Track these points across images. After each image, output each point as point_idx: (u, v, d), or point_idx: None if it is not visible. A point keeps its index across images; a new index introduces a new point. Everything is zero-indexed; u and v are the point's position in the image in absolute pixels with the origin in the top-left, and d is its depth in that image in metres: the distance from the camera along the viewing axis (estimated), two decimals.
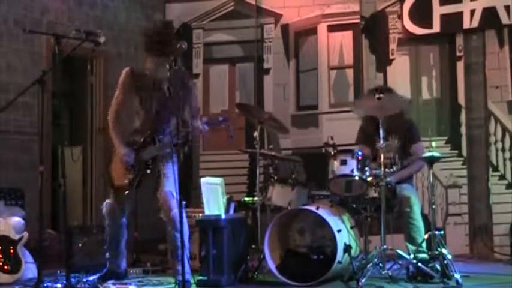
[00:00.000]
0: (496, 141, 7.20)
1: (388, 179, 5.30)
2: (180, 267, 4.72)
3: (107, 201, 5.27)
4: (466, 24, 7.23)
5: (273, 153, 6.01)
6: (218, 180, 5.68)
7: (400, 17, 7.50)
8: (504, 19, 7.09)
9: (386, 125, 5.40)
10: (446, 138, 7.32)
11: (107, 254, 5.36)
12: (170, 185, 5.05)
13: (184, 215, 4.79)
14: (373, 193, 5.33)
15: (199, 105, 8.02)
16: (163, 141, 5.08)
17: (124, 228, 5.32)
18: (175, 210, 4.96)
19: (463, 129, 7.31)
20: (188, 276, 4.95)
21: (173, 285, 4.97)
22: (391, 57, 7.59)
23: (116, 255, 5.35)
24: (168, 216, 5.05)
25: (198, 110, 5.21)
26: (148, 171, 5.11)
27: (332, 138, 5.60)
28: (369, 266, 5.09)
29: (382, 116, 5.29)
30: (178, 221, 4.72)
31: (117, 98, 5.20)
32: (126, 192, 5.15)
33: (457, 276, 4.99)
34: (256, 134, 5.82)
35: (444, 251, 5.12)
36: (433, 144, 5.37)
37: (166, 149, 5.08)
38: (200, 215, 5.64)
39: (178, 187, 4.78)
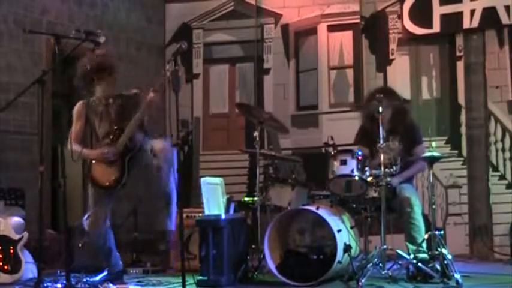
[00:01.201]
0: (496, 141, 7.20)
1: (389, 179, 5.29)
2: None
3: (86, 216, 5.26)
4: (466, 24, 7.23)
5: (273, 153, 6.01)
6: (218, 180, 5.68)
7: (400, 17, 7.50)
8: (504, 19, 7.09)
9: (388, 126, 5.40)
10: (446, 138, 7.32)
11: (104, 263, 5.37)
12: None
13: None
14: (373, 193, 5.33)
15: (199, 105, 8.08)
16: (133, 121, 5.17)
17: (110, 232, 5.32)
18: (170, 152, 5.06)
19: (463, 129, 7.31)
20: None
21: None
22: (391, 57, 7.59)
23: (111, 261, 5.35)
24: (162, 155, 5.13)
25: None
26: (129, 155, 5.16)
27: (332, 138, 5.60)
28: (369, 266, 5.09)
29: (383, 117, 5.29)
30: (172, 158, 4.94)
31: (74, 128, 5.32)
32: (120, 183, 5.16)
33: (457, 276, 4.99)
34: (256, 134, 5.82)
35: (444, 251, 5.12)
36: (433, 144, 5.37)
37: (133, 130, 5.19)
38: (200, 215, 5.64)
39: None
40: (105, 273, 5.35)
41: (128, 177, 5.17)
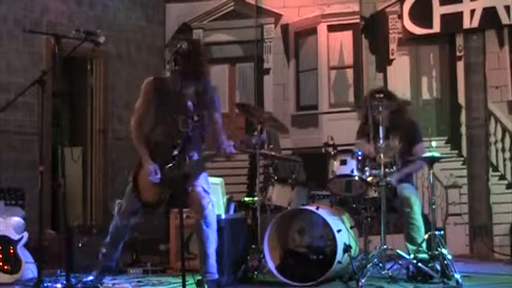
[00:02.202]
0: (496, 141, 7.20)
1: (389, 178, 5.29)
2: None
3: (121, 201, 5.06)
4: (466, 24, 7.23)
5: (273, 153, 6.01)
6: (218, 180, 5.68)
7: (400, 17, 7.50)
8: (504, 19, 7.09)
9: (387, 125, 5.40)
10: (446, 138, 7.32)
11: (104, 249, 5.18)
12: (202, 181, 4.85)
13: (214, 211, 4.86)
14: (373, 193, 5.33)
15: None
16: (193, 158, 4.83)
17: (129, 229, 5.16)
18: (209, 209, 4.80)
19: (463, 129, 7.31)
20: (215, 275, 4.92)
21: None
22: (391, 57, 7.59)
23: (113, 252, 5.20)
24: (201, 215, 4.82)
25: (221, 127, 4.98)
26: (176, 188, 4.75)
27: (332, 138, 5.60)
28: (368, 266, 5.09)
29: (382, 116, 5.30)
30: (211, 219, 4.77)
31: (140, 106, 4.91)
32: (156, 206, 4.91)
33: (457, 276, 4.99)
34: (256, 134, 5.81)
35: (444, 251, 5.12)
36: (433, 144, 5.37)
37: (196, 168, 4.86)
38: None
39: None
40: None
41: (168, 203, 4.90)
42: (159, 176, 4.77)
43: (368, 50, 7.70)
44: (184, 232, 4.66)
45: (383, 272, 5.14)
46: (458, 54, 7.38)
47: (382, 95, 5.38)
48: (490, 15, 7.13)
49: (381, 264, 5.13)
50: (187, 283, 4.62)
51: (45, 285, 4.89)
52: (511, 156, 7.16)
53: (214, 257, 4.90)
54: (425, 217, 5.76)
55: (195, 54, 4.80)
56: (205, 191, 4.86)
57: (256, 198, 5.76)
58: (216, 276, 4.90)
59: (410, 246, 5.48)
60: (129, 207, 5.02)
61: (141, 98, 4.91)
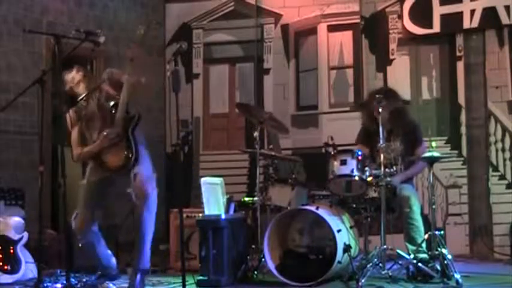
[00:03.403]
0: (496, 141, 7.20)
1: (389, 179, 5.29)
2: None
3: (74, 215, 5.13)
4: (466, 24, 7.23)
5: (273, 153, 6.01)
6: (218, 180, 5.68)
7: (400, 17, 7.50)
8: (504, 19, 7.09)
9: (388, 126, 5.40)
10: (446, 138, 7.32)
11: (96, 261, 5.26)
12: (143, 166, 5.04)
13: (155, 197, 4.95)
14: (373, 193, 5.33)
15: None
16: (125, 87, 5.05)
17: (97, 234, 5.18)
18: (152, 198, 4.96)
19: (463, 129, 7.31)
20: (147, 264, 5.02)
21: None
22: (391, 57, 7.59)
23: (101, 263, 5.23)
24: (142, 199, 4.97)
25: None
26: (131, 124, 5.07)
27: (332, 138, 5.60)
28: (368, 266, 5.09)
29: (383, 117, 5.30)
30: (153, 206, 4.91)
31: (73, 134, 5.22)
32: (130, 162, 5.04)
33: (457, 276, 4.99)
34: (256, 134, 5.82)
35: (444, 251, 5.12)
36: (433, 144, 5.37)
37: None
38: (200, 215, 5.64)
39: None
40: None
41: (137, 152, 5.05)
42: (116, 131, 5.01)
43: (368, 50, 7.70)
44: (184, 232, 4.67)
45: (383, 272, 5.14)
46: (458, 54, 7.37)
47: (386, 95, 5.38)
48: (490, 15, 7.13)
49: (380, 264, 5.13)
50: (187, 283, 4.63)
51: (45, 285, 4.89)
52: (511, 156, 7.16)
53: (149, 245, 5.00)
54: (425, 217, 5.76)
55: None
56: (148, 177, 5.00)
57: (256, 198, 5.76)
58: (149, 266, 5.03)
59: (410, 246, 5.48)
60: (85, 209, 5.11)
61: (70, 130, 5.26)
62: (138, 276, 4.95)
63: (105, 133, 5.04)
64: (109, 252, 5.28)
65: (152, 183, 5.03)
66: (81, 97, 5.18)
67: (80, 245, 5.59)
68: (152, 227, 4.97)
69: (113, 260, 5.30)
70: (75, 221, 5.10)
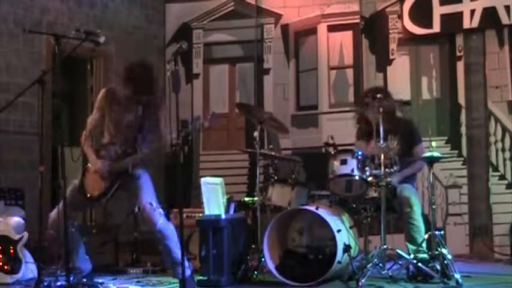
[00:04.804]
0: (496, 141, 7.20)
1: (389, 179, 5.29)
2: (179, 268, 4.73)
3: (54, 211, 5.14)
4: (466, 24, 7.23)
5: (273, 153, 6.01)
6: (218, 180, 5.68)
7: (400, 17, 7.50)
8: (504, 19, 7.09)
9: (384, 126, 5.40)
10: (446, 138, 7.32)
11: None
12: (147, 196, 5.03)
13: (164, 221, 4.96)
14: (373, 193, 5.33)
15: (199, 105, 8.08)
16: (143, 150, 5.08)
17: (72, 233, 5.11)
18: (160, 223, 4.96)
19: (463, 129, 7.31)
20: (189, 271, 5.00)
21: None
22: (391, 57, 7.60)
23: (73, 263, 5.16)
24: (153, 230, 5.00)
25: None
26: (126, 179, 5.06)
27: (332, 138, 5.60)
28: (369, 266, 5.09)
29: (376, 116, 5.30)
30: (166, 230, 4.93)
31: (94, 115, 5.23)
32: (98, 199, 5.11)
33: (457, 276, 5.00)
34: (256, 134, 5.82)
35: (444, 251, 5.12)
36: (433, 144, 5.36)
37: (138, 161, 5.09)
38: (200, 215, 5.64)
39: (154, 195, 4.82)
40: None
41: (111, 198, 5.12)
42: (107, 168, 5.05)
43: (368, 50, 7.70)
44: (184, 232, 4.67)
45: (383, 272, 5.14)
46: (458, 54, 7.38)
47: (376, 94, 5.38)
48: (490, 15, 7.13)
49: (380, 264, 5.13)
50: None
51: (45, 285, 4.88)
52: (511, 156, 7.16)
53: (180, 252, 4.94)
54: (425, 217, 5.76)
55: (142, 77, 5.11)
56: (151, 205, 5.01)
57: (256, 198, 5.76)
58: (190, 272, 5.05)
59: (410, 246, 5.48)
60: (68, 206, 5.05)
61: (96, 109, 5.24)
62: (188, 285, 4.94)
63: (98, 164, 5.07)
64: (84, 255, 5.28)
65: (157, 209, 5.01)
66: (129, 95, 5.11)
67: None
68: (175, 238, 4.97)
69: (87, 264, 5.27)
70: (52, 215, 5.11)
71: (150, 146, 5.09)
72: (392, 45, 7.59)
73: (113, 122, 5.15)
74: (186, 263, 4.91)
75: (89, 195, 5.11)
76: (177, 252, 4.88)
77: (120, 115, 5.14)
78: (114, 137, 5.14)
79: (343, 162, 5.33)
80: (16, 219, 5.73)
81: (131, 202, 5.17)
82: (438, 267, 5.10)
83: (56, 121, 6.42)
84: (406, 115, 6.17)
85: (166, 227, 4.99)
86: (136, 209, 5.09)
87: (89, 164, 5.16)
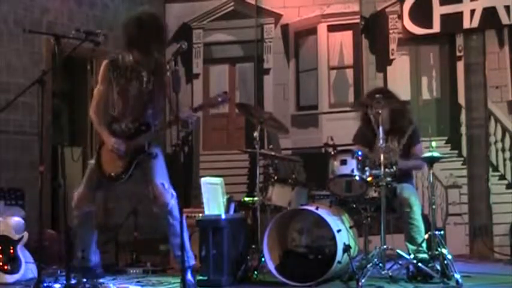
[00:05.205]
0: (496, 141, 7.20)
1: (389, 179, 5.28)
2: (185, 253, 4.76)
3: (77, 191, 5.17)
4: (466, 24, 7.23)
5: (273, 153, 6.01)
6: (218, 180, 5.68)
7: (400, 17, 7.50)
8: (504, 19, 7.09)
9: (386, 126, 5.40)
10: (446, 138, 7.32)
11: (78, 250, 5.25)
12: (160, 177, 5.03)
13: (175, 203, 4.92)
14: (373, 193, 5.33)
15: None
16: (156, 126, 5.06)
17: (92, 218, 5.22)
18: (171, 204, 4.98)
19: (463, 129, 7.31)
20: (192, 261, 5.05)
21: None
22: (391, 57, 7.60)
23: (84, 248, 5.23)
24: (164, 211, 5.02)
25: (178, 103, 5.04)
26: (142, 157, 5.02)
27: (332, 138, 5.60)
28: (368, 266, 5.09)
29: (382, 117, 5.30)
30: (176, 211, 4.90)
31: (98, 90, 5.19)
32: (120, 178, 5.07)
33: (457, 276, 4.99)
34: (256, 134, 5.82)
35: (444, 251, 5.12)
36: (433, 144, 5.36)
37: (155, 137, 5.10)
38: (200, 215, 5.64)
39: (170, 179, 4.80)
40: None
41: (130, 177, 5.09)
42: (123, 146, 4.99)
43: (368, 50, 7.70)
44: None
45: (383, 272, 5.13)
46: (458, 54, 7.38)
47: (381, 95, 5.38)
48: (490, 15, 7.13)
49: (381, 264, 5.13)
50: None
51: (45, 285, 4.88)
52: (511, 156, 7.16)
53: (188, 243, 5.08)
54: (425, 217, 5.76)
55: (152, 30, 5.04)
56: (164, 187, 5.00)
57: (256, 198, 5.76)
58: (194, 262, 5.09)
59: (410, 246, 5.48)
60: (87, 188, 5.12)
61: (99, 82, 5.18)
62: (188, 273, 4.98)
63: (114, 143, 5.01)
64: (96, 247, 5.30)
65: (169, 190, 5.03)
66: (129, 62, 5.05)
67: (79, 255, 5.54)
68: (184, 226, 4.92)
69: (96, 257, 5.30)
70: (75, 196, 5.14)
71: (162, 120, 5.03)
72: (392, 45, 7.59)
73: (120, 95, 5.10)
74: (190, 253, 4.99)
75: (108, 175, 5.08)
76: (185, 236, 4.89)
77: (127, 87, 5.08)
78: (123, 110, 5.10)
79: (343, 162, 5.32)
80: (16, 219, 5.73)
81: (143, 182, 5.07)
82: (438, 267, 5.10)
83: (56, 121, 6.45)
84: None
85: (177, 209, 4.96)
86: (148, 189, 5.03)
87: (102, 145, 5.11)
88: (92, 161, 5.20)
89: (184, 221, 4.82)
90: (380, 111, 5.28)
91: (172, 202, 4.98)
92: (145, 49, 5.02)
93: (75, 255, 5.21)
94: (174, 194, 5.02)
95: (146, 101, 5.08)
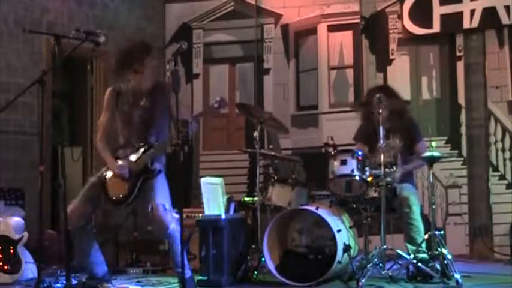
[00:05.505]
0: (496, 141, 7.20)
1: (389, 179, 5.28)
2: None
3: (72, 203, 5.04)
4: (466, 24, 7.23)
5: (273, 153, 6.01)
6: (218, 180, 5.68)
7: (400, 17, 7.50)
8: (504, 19, 7.09)
9: (387, 124, 5.40)
10: (446, 138, 7.32)
11: (78, 264, 5.15)
12: (161, 198, 4.91)
13: (177, 226, 4.76)
14: (373, 193, 5.33)
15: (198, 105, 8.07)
16: (159, 144, 4.98)
17: (89, 233, 5.09)
18: (171, 227, 4.83)
19: (463, 129, 7.31)
20: (189, 273, 4.95)
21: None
22: (391, 57, 7.60)
23: (86, 265, 5.11)
24: (163, 233, 4.89)
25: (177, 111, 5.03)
26: (146, 176, 4.96)
27: (332, 138, 5.60)
28: (369, 266, 5.09)
29: (382, 115, 5.29)
30: (176, 235, 4.76)
31: (103, 116, 5.16)
32: (123, 202, 4.99)
33: (457, 276, 4.99)
34: (256, 134, 5.82)
35: (444, 251, 5.12)
36: (433, 144, 5.37)
37: (159, 154, 5.02)
38: (200, 215, 5.64)
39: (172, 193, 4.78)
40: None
41: (134, 199, 4.97)
42: (127, 169, 4.94)
43: (368, 50, 7.70)
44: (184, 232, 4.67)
45: (383, 272, 5.13)
46: (458, 54, 7.38)
47: (383, 94, 5.38)
48: (490, 15, 7.13)
49: (381, 264, 5.13)
50: None
51: (45, 285, 4.88)
52: (511, 156, 7.16)
53: (184, 255, 4.90)
54: (425, 217, 5.76)
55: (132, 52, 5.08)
56: (165, 209, 4.88)
57: (256, 198, 5.76)
58: (190, 273, 4.97)
59: (410, 247, 5.48)
60: (81, 203, 5.01)
61: (105, 109, 5.16)
62: (187, 285, 4.88)
63: (117, 168, 4.97)
64: (101, 257, 5.16)
65: (169, 213, 4.92)
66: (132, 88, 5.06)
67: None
68: (178, 242, 4.79)
69: (101, 267, 5.15)
70: (68, 208, 4.97)
71: (166, 136, 4.93)
72: (392, 45, 7.59)
73: (125, 123, 5.07)
74: (187, 265, 4.88)
75: (114, 199, 4.99)
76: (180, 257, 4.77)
77: (131, 113, 5.06)
78: (129, 137, 5.06)
79: (343, 162, 5.32)
80: (16, 219, 5.73)
81: (144, 202, 4.96)
82: (438, 267, 5.10)
83: (56, 121, 6.45)
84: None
85: (177, 233, 4.80)
86: (149, 208, 4.91)
87: (106, 171, 5.04)
88: (93, 179, 5.13)
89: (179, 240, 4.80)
90: (381, 111, 5.27)
91: (173, 225, 4.83)
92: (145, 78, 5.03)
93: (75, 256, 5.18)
94: (176, 216, 4.86)
95: (149, 124, 5.03)
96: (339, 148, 5.49)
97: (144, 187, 4.97)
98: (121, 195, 4.98)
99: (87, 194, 5.04)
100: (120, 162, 5.00)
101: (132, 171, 4.95)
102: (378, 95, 5.32)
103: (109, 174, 5.03)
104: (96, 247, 5.15)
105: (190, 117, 5.01)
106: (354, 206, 5.52)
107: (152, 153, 4.97)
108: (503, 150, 7.19)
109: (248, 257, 5.56)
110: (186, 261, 4.81)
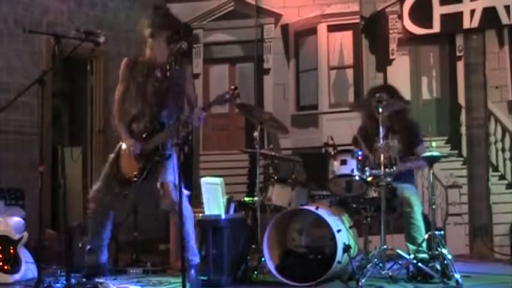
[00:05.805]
0: (496, 141, 7.20)
1: (389, 179, 5.28)
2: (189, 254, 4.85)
3: (96, 187, 5.24)
4: (466, 24, 7.23)
5: (273, 153, 6.01)
6: (218, 180, 5.68)
7: (400, 17, 7.50)
8: (504, 19, 7.09)
9: (387, 124, 5.40)
10: (446, 138, 7.32)
11: (88, 245, 5.32)
12: (171, 176, 5.07)
13: (186, 203, 4.92)
14: (373, 193, 5.33)
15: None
16: (170, 126, 5.08)
17: (110, 219, 5.27)
18: (182, 202, 4.94)
19: (463, 129, 7.31)
20: (197, 259, 5.09)
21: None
22: (391, 57, 7.59)
23: (97, 246, 5.28)
24: (173, 209, 5.06)
25: (196, 98, 5.15)
26: (157, 158, 5.09)
27: (332, 138, 5.60)
28: (369, 266, 5.09)
29: (383, 115, 5.29)
30: (188, 215, 4.97)
31: (118, 89, 5.29)
32: (135, 180, 5.12)
33: (457, 276, 4.99)
34: (256, 134, 5.82)
35: (444, 251, 5.12)
36: (433, 144, 5.37)
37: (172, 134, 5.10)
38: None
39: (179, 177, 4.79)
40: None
41: (145, 179, 5.11)
42: (139, 148, 5.08)
43: (368, 50, 7.70)
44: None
45: (383, 272, 5.13)
46: (458, 54, 7.38)
47: (386, 93, 5.37)
48: (490, 15, 7.13)
49: (381, 264, 5.13)
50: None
51: (45, 285, 4.88)
52: (511, 156, 7.16)
53: (194, 241, 5.14)
54: (425, 217, 5.76)
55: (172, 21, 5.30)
56: (175, 185, 5.00)
57: (256, 198, 5.76)
58: (199, 260, 5.11)
59: (410, 246, 5.48)
60: (103, 182, 5.19)
61: (120, 80, 5.27)
62: (192, 271, 5.05)
63: (131, 145, 5.07)
64: (106, 248, 5.37)
65: (178, 190, 5.00)
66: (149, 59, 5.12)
67: (79, 245, 5.60)
68: (192, 225, 5.01)
69: (104, 257, 5.36)
70: (92, 191, 5.23)
71: (179, 118, 4.98)
72: (392, 45, 7.59)
73: (139, 94, 5.17)
74: (196, 252, 5.05)
75: (125, 177, 5.14)
76: (191, 234, 5.05)
77: (145, 85, 5.14)
78: (142, 110, 5.17)
79: (343, 162, 5.33)
80: (16, 219, 5.73)
81: (154, 181, 5.11)
82: (438, 267, 5.09)
83: (56, 121, 6.45)
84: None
85: (189, 212, 5.02)
86: (158, 186, 5.07)
87: (122, 144, 5.17)
88: (112, 155, 5.28)
89: (191, 221, 4.86)
90: (381, 110, 5.27)
91: (183, 202, 4.86)
92: (169, 38, 5.13)
93: (80, 249, 5.26)
94: (187, 193, 5.07)
95: (162, 100, 5.13)
96: (339, 148, 5.49)
97: (155, 168, 5.11)
98: (131, 175, 5.13)
99: (105, 174, 5.22)
100: (132, 140, 5.12)
101: (144, 150, 5.08)
102: (377, 95, 5.32)
103: (124, 146, 5.17)
104: (109, 234, 5.33)
105: (199, 112, 5.06)
106: (354, 206, 5.52)
107: (164, 136, 5.08)
108: (503, 150, 7.19)
109: (248, 257, 5.56)
110: (194, 247, 4.90)
